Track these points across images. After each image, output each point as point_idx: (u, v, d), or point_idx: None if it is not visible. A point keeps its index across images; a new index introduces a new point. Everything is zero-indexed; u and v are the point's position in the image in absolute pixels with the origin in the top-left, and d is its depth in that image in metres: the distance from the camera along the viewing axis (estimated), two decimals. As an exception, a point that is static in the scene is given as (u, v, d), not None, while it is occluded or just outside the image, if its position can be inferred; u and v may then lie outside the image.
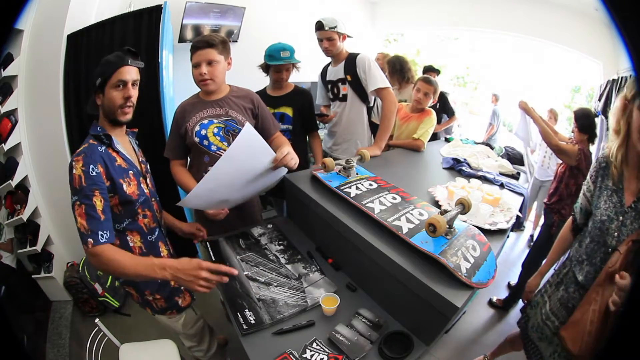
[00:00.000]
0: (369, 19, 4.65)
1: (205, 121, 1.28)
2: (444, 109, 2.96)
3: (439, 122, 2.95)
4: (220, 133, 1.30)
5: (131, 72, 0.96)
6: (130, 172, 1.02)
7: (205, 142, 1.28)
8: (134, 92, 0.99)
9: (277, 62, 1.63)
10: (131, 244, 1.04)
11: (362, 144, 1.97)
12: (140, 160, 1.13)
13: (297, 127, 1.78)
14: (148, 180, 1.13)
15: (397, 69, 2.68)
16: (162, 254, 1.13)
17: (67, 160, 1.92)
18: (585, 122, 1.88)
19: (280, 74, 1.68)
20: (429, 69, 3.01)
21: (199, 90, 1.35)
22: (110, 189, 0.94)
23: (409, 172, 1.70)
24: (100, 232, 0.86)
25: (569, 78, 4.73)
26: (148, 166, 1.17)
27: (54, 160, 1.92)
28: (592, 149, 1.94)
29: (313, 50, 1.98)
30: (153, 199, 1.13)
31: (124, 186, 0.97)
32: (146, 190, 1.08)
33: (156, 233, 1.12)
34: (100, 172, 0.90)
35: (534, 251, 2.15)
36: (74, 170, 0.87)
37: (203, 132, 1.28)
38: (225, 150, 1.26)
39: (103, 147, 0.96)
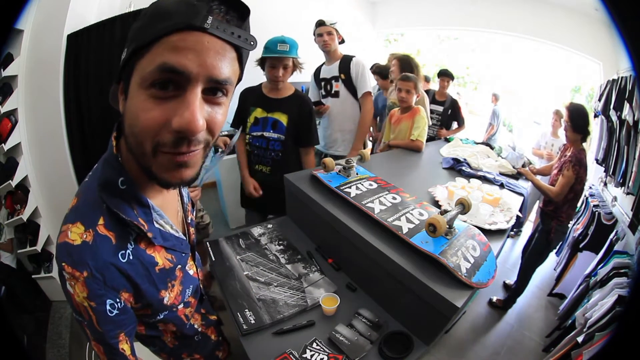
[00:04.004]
0: (369, 19, 4.66)
1: None
2: (455, 116, 2.96)
3: (448, 128, 2.95)
4: None
5: (208, 51, 0.39)
6: (178, 267, 0.61)
7: None
8: (214, 113, 0.43)
9: (271, 54, 1.45)
10: (162, 329, 0.71)
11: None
12: (189, 213, 0.72)
13: (290, 139, 1.58)
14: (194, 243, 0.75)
15: (401, 71, 2.68)
16: (198, 329, 0.80)
17: (67, 160, 1.95)
18: (580, 122, 1.84)
19: (275, 71, 1.48)
20: (443, 74, 2.99)
21: None
22: (142, 305, 0.56)
23: (409, 172, 1.70)
24: None
25: (569, 78, 4.72)
26: (194, 211, 0.80)
27: (54, 160, 1.92)
28: (591, 148, 1.93)
29: (315, 51, 1.99)
30: (199, 269, 0.76)
31: (165, 299, 0.59)
32: (193, 271, 0.69)
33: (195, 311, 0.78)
34: (124, 302, 0.51)
35: (532, 257, 2.14)
36: (74, 294, 0.46)
37: None
38: None
39: (130, 246, 0.51)
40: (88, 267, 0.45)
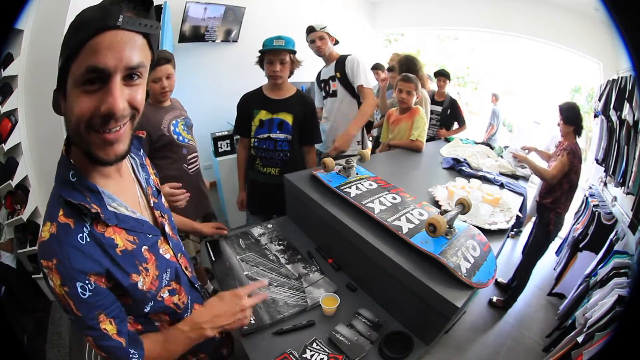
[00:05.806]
0: (369, 19, 4.66)
1: (174, 121, 1.47)
2: (455, 116, 2.96)
3: (448, 128, 2.95)
4: (185, 127, 1.53)
5: (122, 45, 0.46)
6: (144, 248, 0.62)
7: (181, 138, 1.49)
8: (134, 93, 0.51)
9: (267, 49, 1.49)
10: (158, 324, 0.70)
11: (355, 138, 2.02)
12: (150, 197, 0.71)
13: (296, 139, 1.61)
14: (167, 228, 0.72)
15: (403, 70, 2.68)
16: None
17: (67, 160, 1.94)
18: (569, 114, 1.88)
19: (272, 66, 1.50)
20: (440, 74, 3.00)
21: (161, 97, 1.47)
22: (118, 288, 0.58)
23: (409, 172, 1.70)
24: (130, 355, 0.59)
25: (569, 78, 4.73)
26: (162, 198, 0.79)
27: (54, 160, 1.91)
28: (591, 148, 1.93)
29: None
30: (179, 254, 0.74)
31: (139, 283, 0.59)
32: (169, 255, 0.69)
33: (191, 300, 0.76)
34: (96, 283, 0.53)
35: (531, 251, 2.14)
36: (53, 286, 0.51)
37: (177, 129, 1.47)
38: (191, 139, 1.55)
39: (87, 228, 0.54)
40: (56, 255, 0.50)
